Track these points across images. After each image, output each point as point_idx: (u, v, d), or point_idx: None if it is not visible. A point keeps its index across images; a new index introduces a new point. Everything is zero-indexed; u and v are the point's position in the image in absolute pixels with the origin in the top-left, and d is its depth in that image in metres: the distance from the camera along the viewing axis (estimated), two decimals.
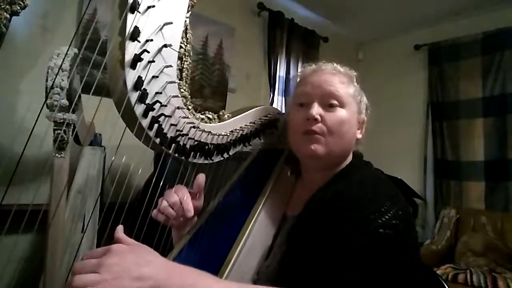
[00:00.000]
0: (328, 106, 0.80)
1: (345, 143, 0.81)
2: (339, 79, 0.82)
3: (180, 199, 0.81)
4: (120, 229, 0.56)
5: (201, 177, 0.84)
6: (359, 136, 0.86)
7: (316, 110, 0.79)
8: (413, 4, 2.95)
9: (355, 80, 0.86)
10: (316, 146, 0.79)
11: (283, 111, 1.09)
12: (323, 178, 0.82)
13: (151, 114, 0.69)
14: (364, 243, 0.61)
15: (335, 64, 0.88)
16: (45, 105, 1.04)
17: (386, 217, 0.63)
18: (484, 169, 2.84)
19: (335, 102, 0.80)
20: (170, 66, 0.70)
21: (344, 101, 0.81)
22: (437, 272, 1.70)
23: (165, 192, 0.82)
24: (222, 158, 0.89)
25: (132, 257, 0.51)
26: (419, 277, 0.68)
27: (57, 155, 1.08)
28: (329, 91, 0.81)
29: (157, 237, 0.81)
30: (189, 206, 0.80)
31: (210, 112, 0.87)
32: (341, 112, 0.80)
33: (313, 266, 0.63)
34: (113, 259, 0.49)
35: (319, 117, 0.79)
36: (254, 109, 0.96)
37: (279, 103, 2.95)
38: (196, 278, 0.53)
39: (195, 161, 0.82)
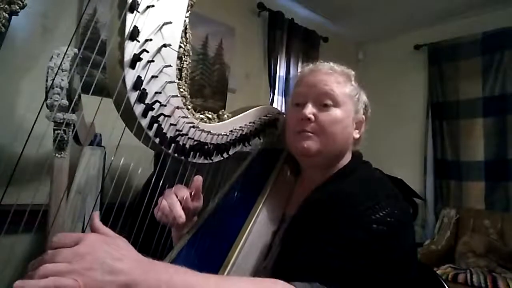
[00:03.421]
0: (323, 106, 0.81)
1: (339, 143, 0.81)
2: (334, 79, 0.82)
3: (180, 200, 0.80)
4: (96, 216, 0.53)
5: (198, 179, 0.84)
6: (357, 135, 0.85)
7: (309, 110, 0.80)
8: (413, 4, 2.96)
9: (352, 79, 0.86)
10: (308, 143, 0.80)
11: (283, 111, 1.09)
12: (321, 177, 0.82)
13: (150, 113, 0.69)
14: (356, 236, 0.62)
15: (331, 64, 0.87)
16: (45, 105, 1.04)
17: (381, 214, 0.64)
18: (484, 169, 2.84)
19: (329, 101, 0.80)
20: (170, 66, 0.70)
21: (339, 101, 0.81)
22: (437, 272, 1.70)
23: (165, 192, 0.82)
24: (222, 158, 0.89)
25: (106, 248, 0.47)
26: (414, 277, 0.68)
27: (57, 155, 1.08)
28: (323, 91, 0.81)
29: (156, 237, 0.81)
30: (181, 212, 0.78)
31: (210, 112, 0.87)
32: (335, 112, 0.80)
33: (302, 254, 0.63)
34: (86, 248, 0.46)
35: (312, 117, 0.79)
36: (254, 109, 0.96)
37: (279, 103, 2.95)
38: (172, 273, 0.50)
39: (194, 161, 0.82)
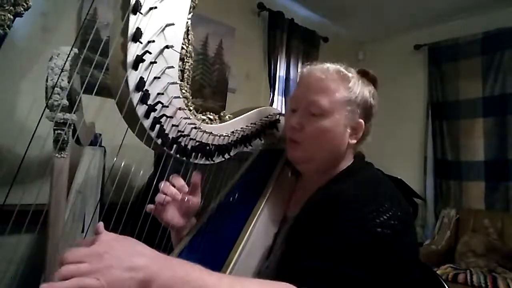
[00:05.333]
0: (310, 115, 0.79)
1: (328, 151, 0.80)
2: (325, 85, 0.79)
3: (178, 188, 0.83)
4: (101, 226, 0.54)
5: (197, 176, 0.85)
6: (353, 140, 0.81)
7: (295, 119, 0.80)
8: (413, 4, 2.96)
9: (350, 80, 0.81)
10: (294, 153, 0.83)
11: (283, 112, 1.09)
12: (322, 179, 0.81)
13: (152, 114, 0.70)
14: (360, 240, 0.61)
15: (327, 65, 0.83)
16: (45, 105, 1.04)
17: (385, 217, 0.63)
18: (484, 169, 2.85)
19: (317, 111, 0.78)
20: (172, 67, 0.70)
21: (327, 111, 0.78)
22: (437, 272, 1.70)
23: (162, 185, 0.82)
24: (223, 159, 0.89)
25: (122, 246, 0.49)
26: (418, 278, 0.68)
27: (57, 155, 1.08)
28: (311, 101, 0.79)
29: (158, 238, 0.81)
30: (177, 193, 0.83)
31: (211, 113, 0.87)
32: (322, 122, 0.78)
33: (306, 258, 0.62)
34: (103, 247, 0.48)
35: (298, 127, 0.80)
36: (255, 110, 0.96)
37: (279, 103, 2.95)
38: (187, 270, 0.51)
39: (196, 161, 0.83)
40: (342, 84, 0.80)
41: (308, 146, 0.80)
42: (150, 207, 0.81)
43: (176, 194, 0.82)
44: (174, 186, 0.83)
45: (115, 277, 0.45)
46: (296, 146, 0.81)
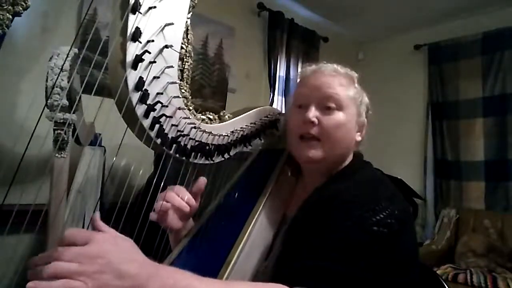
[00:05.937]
0: (326, 109, 0.80)
1: (342, 147, 0.81)
2: (338, 81, 0.81)
3: (186, 200, 0.82)
4: (97, 217, 0.54)
5: (202, 180, 0.84)
6: (358, 138, 0.84)
7: (313, 113, 0.79)
8: (413, 4, 2.96)
9: (355, 81, 0.85)
10: (313, 152, 0.80)
11: (284, 111, 1.09)
12: (322, 179, 0.82)
13: (152, 114, 0.69)
14: (358, 239, 0.61)
15: (335, 65, 0.86)
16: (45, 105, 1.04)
17: (381, 215, 0.63)
18: (484, 169, 2.85)
19: (333, 105, 0.79)
20: (171, 66, 0.70)
21: (343, 104, 0.80)
22: (437, 272, 1.70)
23: (165, 193, 0.81)
24: (223, 159, 0.89)
25: (115, 251, 0.48)
26: (416, 278, 0.68)
27: (57, 155, 1.08)
28: (327, 94, 0.80)
29: (158, 238, 0.81)
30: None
31: (211, 113, 0.87)
32: (338, 116, 0.79)
33: (303, 257, 0.63)
34: (97, 250, 0.47)
35: (316, 120, 0.79)
36: (255, 109, 0.96)
37: (279, 103, 2.95)
38: (177, 278, 0.51)
39: (195, 161, 0.82)
40: (351, 83, 0.84)
41: (326, 143, 0.79)
42: (153, 216, 0.79)
43: (184, 208, 0.81)
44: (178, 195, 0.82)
45: (103, 283, 0.45)
46: (313, 145, 0.80)
